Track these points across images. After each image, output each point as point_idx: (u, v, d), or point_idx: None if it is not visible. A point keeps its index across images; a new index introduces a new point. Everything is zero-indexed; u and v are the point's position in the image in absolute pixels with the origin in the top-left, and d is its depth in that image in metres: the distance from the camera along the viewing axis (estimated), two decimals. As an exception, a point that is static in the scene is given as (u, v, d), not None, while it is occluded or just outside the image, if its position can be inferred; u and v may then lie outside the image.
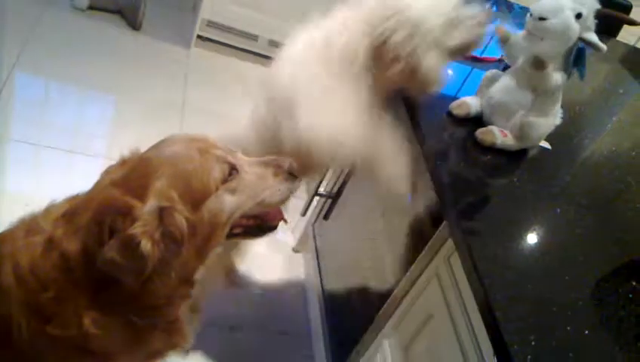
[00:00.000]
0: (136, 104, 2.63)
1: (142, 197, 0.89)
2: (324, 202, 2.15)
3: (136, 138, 2.50)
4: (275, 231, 1.16)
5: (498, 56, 1.68)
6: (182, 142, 1.00)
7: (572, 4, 1.21)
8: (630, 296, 1.10)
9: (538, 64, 1.25)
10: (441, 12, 1.26)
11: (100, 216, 0.88)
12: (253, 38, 3.21)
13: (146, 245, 0.84)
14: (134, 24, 3.00)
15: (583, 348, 0.94)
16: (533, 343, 0.90)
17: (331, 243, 2.09)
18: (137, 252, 0.83)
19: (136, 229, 0.84)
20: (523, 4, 2.54)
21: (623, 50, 2.45)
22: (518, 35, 1.35)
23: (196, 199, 0.95)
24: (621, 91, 2.09)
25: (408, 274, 1.40)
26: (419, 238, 1.39)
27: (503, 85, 1.35)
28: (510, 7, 2.33)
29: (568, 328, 0.95)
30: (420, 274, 1.35)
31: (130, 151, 1.03)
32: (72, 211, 0.94)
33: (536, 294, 1.00)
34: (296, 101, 1.25)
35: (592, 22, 1.24)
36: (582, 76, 1.31)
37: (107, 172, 1.01)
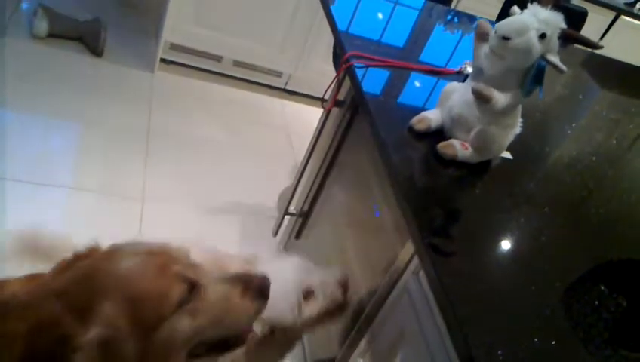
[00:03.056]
0: (101, 131, 2.60)
1: (85, 319, 0.79)
2: (295, 221, 2.14)
3: (102, 166, 2.47)
4: (243, 345, 1.03)
5: (457, 69, 1.70)
6: (138, 256, 0.88)
7: (537, 25, 1.21)
8: (596, 302, 1.11)
9: (481, 97, 1.26)
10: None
11: (34, 343, 0.78)
12: (217, 58, 3.20)
13: None
14: (96, 50, 2.97)
15: (551, 359, 0.94)
16: (501, 357, 0.89)
17: (304, 262, 2.08)
18: None
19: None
20: (484, 16, 2.58)
21: (582, 56, 2.50)
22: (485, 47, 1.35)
23: (148, 325, 0.84)
24: (580, 97, 2.13)
25: (379, 290, 1.39)
26: (389, 254, 1.39)
27: (463, 98, 1.35)
28: (472, 19, 2.36)
29: (536, 339, 0.95)
30: (391, 290, 1.35)
31: (87, 245, 0.92)
32: (7, 307, 0.83)
33: (502, 307, 1.00)
34: None
35: (555, 43, 1.24)
36: (540, 95, 1.32)
37: (55, 270, 0.90)
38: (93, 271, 0.86)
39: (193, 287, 0.88)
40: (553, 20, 1.23)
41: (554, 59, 1.25)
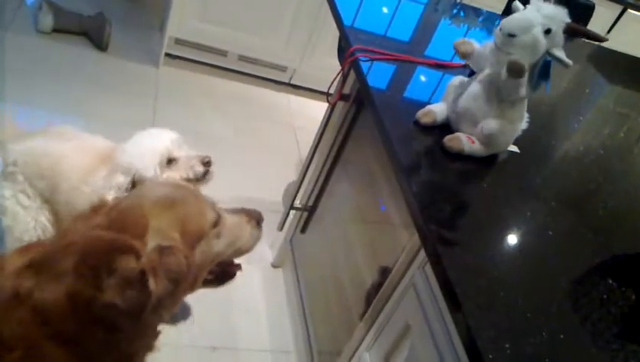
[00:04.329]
0: (106, 126, 2.59)
1: (141, 236, 0.88)
2: (301, 215, 2.14)
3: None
4: (232, 280, 1.19)
5: (463, 62, 1.69)
6: (170, 186, 1.03)
7: (542, 20, 1.21)
8: (605, 296, 1.10)
9: (516, 71, 1.24)
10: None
11: (92, 259, 0.83)
12: (223, 53, 3.19)
13: (151, 282, 0.82)
14: (101, 45, 2.97)
15: (559, 353, 0.94)
16: (508, 351, 0.89)
17: (310, 257, 2.08)
18: (145, 287, 0.82)
19: (145, 266, 0.82)
20: (489, 9, 2.57)
21: (589, 49, 2.48)
22: (483, 46, 1.35)
23: (193, 240, 0.96)
24: (587, 91, 2.11)
25: (385, 284, 1.39)
26: (395, 248, 1.39)
27: (470, 92, 1.34)
28: (478, 12, 2.34)
29: (543, 333, 0.94)
30: (397, 284, 1.34)
31: (99, 200, 1.02)
32: (42, 260, 0.86)
33: (509, 300, 0.99)
34: None
35: (560, 37, 1.24)
36: (546, 90, 1.31)
37: (79, 219, 0.96)
38: (134, 202, 0.96)
39: (218, 214, 1.04)
40: (557, 15, 1.23)
41: (559, 53, 1.25)
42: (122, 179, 1.53)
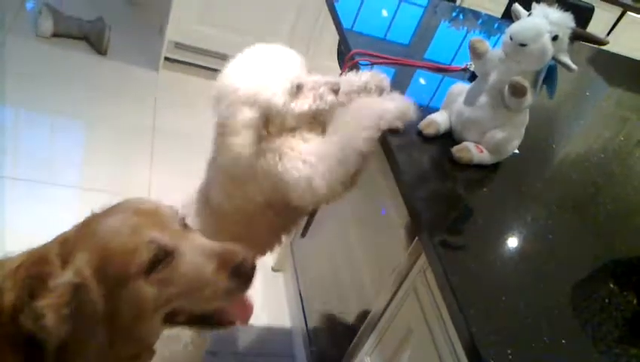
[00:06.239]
0: (106, 130, 2.60)
1: (66, 264, 0.84)
2: (301, 219, 2.14)
3: (108, 165, 2.47)
4: (231, 326, 1.00)
5: (462, 66, 1.69)
6: (124, 213, 0.91)
7: (549, 27, 1.21)
8: (607, 300, 1.10)
9: (518, 92, 1.24)
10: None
11: (29, 277, 0.83)
12: (222, 57, 3.18)
13: (50, 319, 0.78)
14: (100, 49, 2.97)
15: (561, 358, 0.93)
16: (510, 356, 0.88)
17: (310, 261, 2.08)
18: (42, 325, 0.78)
19: (43, 301, 0.79)
20: (489, 12, 2.57)
21: (589, 52, 2.48)
22: (494, 51, 1.34)
23: (112, 281, 0.85)
24: (588, 93, 2.11)
25: (386, 288, 1.39)
26: (395, 252, 1.38)
27: (475, 101, 1.33)
28: (477, 15, 2.35)
29: (545, 338, 0.94)
30: (398, 288, 1.34)
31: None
32: (21, 264, 0.88)
33: (510, 306, 0.99)
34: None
35: (565, 43, 1.24)
36: (551, 94, 1.31)
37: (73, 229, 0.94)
38: (87, 223, 0.91)
39: (168, 254, 0.87)
40: (564, 22, 1.23)
41: (565, 59, 1.25)
42: (249, 113, 1.34)
